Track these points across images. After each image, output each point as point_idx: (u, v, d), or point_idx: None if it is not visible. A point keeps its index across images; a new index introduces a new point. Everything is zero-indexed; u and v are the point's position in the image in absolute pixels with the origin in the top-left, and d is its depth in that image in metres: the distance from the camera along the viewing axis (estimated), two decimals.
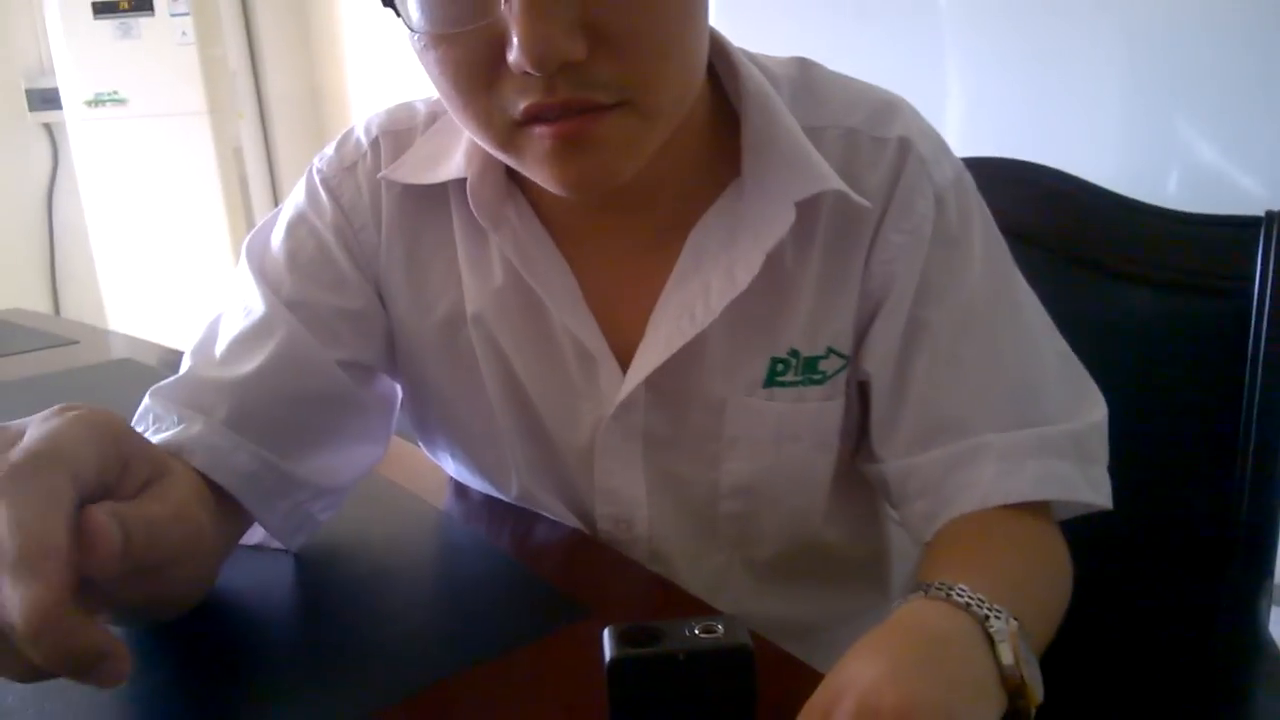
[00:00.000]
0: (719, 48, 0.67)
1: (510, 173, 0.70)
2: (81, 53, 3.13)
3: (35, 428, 0.43)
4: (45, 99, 3.34)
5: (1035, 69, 1.65)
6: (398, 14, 0.57)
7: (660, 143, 0.61)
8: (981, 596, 0.51)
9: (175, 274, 3.32)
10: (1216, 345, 0.86)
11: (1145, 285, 0.90)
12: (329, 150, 0.75)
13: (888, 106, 0.69)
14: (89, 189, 3.29)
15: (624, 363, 0.71)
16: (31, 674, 0.42)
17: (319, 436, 0.71)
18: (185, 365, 0.70)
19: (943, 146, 0.70)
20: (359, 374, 0.73)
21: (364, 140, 0.74)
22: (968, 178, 0.71)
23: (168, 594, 0.57)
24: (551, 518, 0.78)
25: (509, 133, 0.58)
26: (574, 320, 0.70)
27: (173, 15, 3.08)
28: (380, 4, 0.57)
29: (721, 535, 0.77)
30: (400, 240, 0.73)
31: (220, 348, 0.69)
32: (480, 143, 0.62)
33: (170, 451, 0.60)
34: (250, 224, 3.41)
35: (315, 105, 3.66)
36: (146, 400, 0.67)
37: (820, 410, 0.72)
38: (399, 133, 0.74)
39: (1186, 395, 0.88)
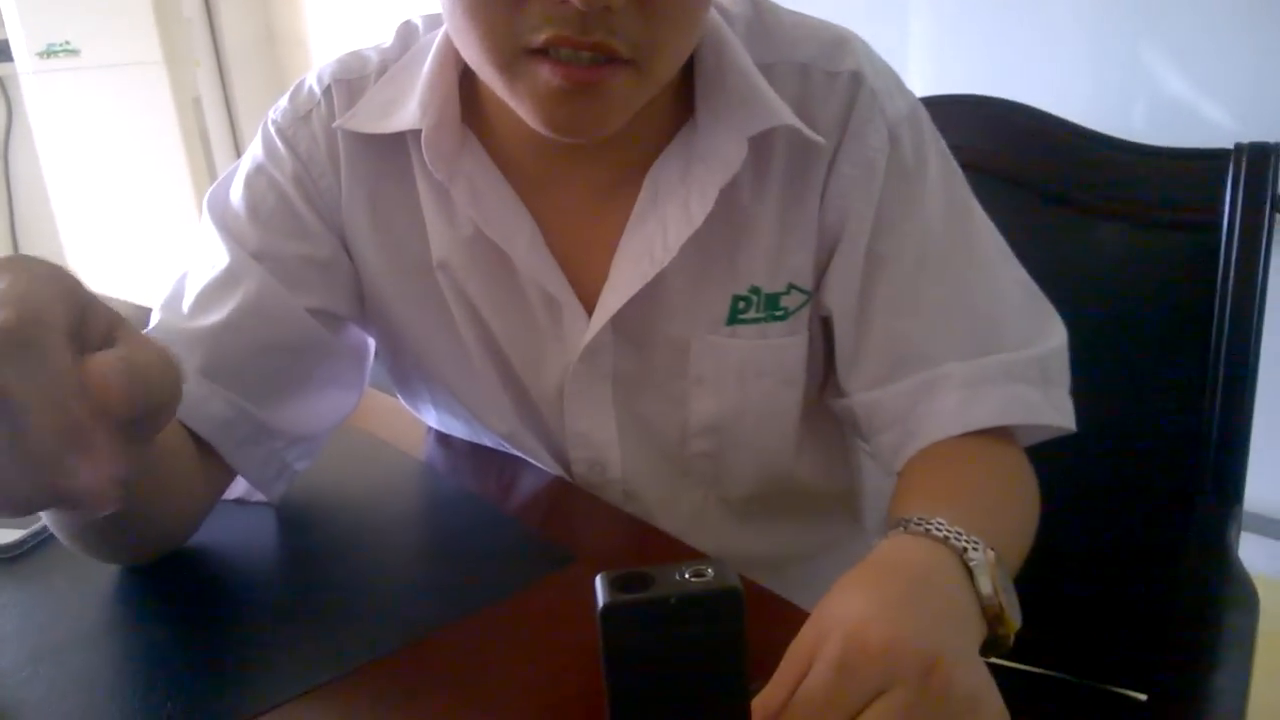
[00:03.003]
0: None
1: (466, 118, 0.70)
2: (31, 2, 3.03)
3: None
4: None
5: (999, 2, 1.64)
6: None
7: (644, 103, 0.61)
8: (959, 529, 0.52)
9: (137, 227, 3.26)
10: (1185, 277, 0.87)
11: (1114, 219, 0.91)
12: (283, 101, 0.74)
13: (839, 41, 0.70)
14: (45, 143, 3.21)
15: (589, 306, 0.71)
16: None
17: (292, 384, 0.71)
18: (154, 320, 0.70)
19: (895, 80, 0.71)
20: (329, 321, 0.73)
21: (316, 89, 0.73)
22: (921, 111, 0.71)
23: (162, 514, 0.60)
24: (532, 462, 0.78)
25: (515, 58, 0.58)
26: (537, 268, 0.70)
27: None
28: None
29: (694, 475, 0.78)
30: (361, 188, 0.73)
31: (188, 301, 0.69)
32: (473, 56, 0.61)
33: None
34: (212, 174, 3.35)
35: (273, 52, 3.58)
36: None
37: (784, 346, 0.73)
38: (351, 81, 0.73)
39: (1156, 327, 0.90)
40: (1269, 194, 0.83)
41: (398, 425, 0.88)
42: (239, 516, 0.72)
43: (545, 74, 0.56)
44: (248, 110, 3.54)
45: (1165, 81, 1.50)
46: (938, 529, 0.52)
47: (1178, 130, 1.50)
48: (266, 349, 0.69)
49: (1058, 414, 0.67)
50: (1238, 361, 0.84)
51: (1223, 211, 0.84)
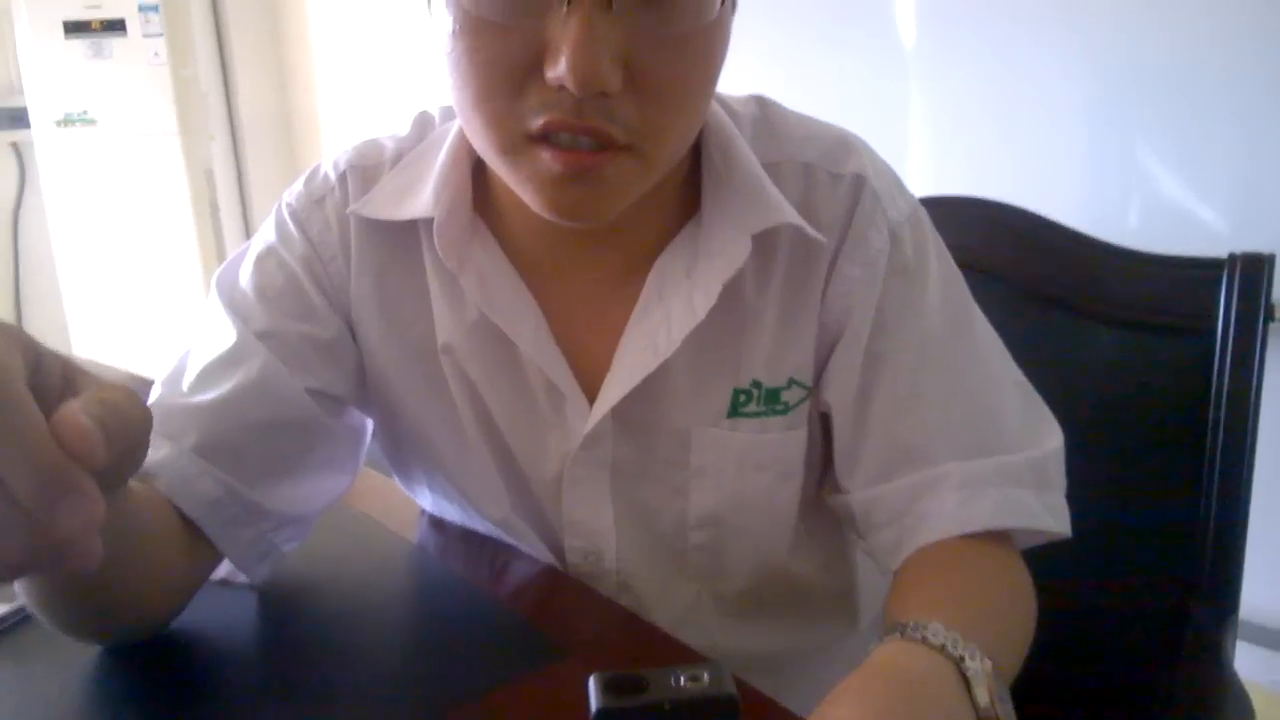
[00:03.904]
0: None
1: (478, 208, 0.71)
2: (52, 72, 3.10)
3: None
4: (14, 118, 3.30)
5: (999, 106, 1.67)
6: None
7: (648, 189, 0.62)
8: (955, 636, 0.51)
9: (142, 296, 3.28)
10: (1181, 384, 0.87)
11: (1109, 323, 0.91)
12: (298, 185, 0.76)
13: (843, 143, 0.71)
14: (56, 209, 3.25)
15: (591, 395, 0.71)
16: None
17: (287, 465, 0.71)
18: (154, 395, 0.70)
19: (897, 182, 0.72)
20: (328, 403, 0.73)
21: (332, 175, 0.75)
22: (922, 213, 0.73)
23: (141, 584, 0.60)
24: (525, 550, 0.78)
25: (516, 144, 0.58)
26: (541, 356, 0.71)
27: (146, 36, 3.06)
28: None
29: (690, 567, 0.77)
30: (370, 272, 0.74)
31: (190, 377, 0.69)
32: (479, 143, 0.62)
33: (136, 477, 0.60)
34: (220, 247, 3.38)
35: (287, 128, 3.65)
36: None
37: (783, 440, 0.73)
38: (366, 168, 0.75)
39: (1151, 432, 0.90)
40: (1263, 303, 0.84)
41: (391, 505, 0.88)
42: (222, 596, 0.71)
43: (546, 159, 0.57)
44: (259, 183, 3.59)
45: (1161, 186, 1.53)
46: (934, 636, 0.51)
47: (1173, 233, 1.53)
48: (264, 428, 0.69)
49: (1053, 519, 0.67)
50: (1233, 470, 0.84)
51: (1217, 318, 0.85)
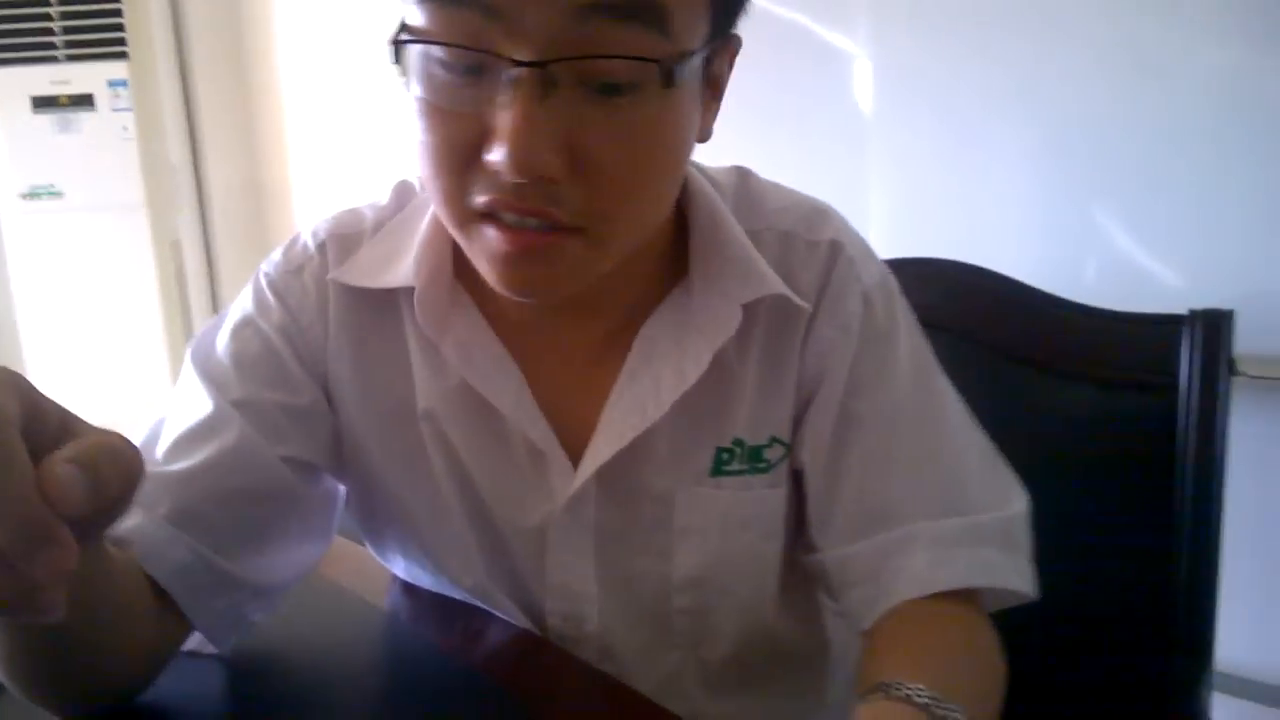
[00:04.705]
0: None
1: (458, 274, 0.72)
2: (18, 146, 3.09)
3: None
4: None
5: (956, 170, 1.71)
6: (402, 73, 0.57)
7: (608, 268, 0.62)
8: (937, 694, 0.51)
9: (107, 367, 3.25)
10: (1148, 438, 0.89)
11: (1072, 379, 0.93)
12: (276, 255, 0.76)
13: (819, 213, 0.74)
14: (20, 281, 3.23)
15: (574, 457, 0.72)
16: None
17: (260, 534, 0.71)
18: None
19: (869, 250, 0.75)
20: (303, 471, 0.73)
21: (311, 244, 0.75)
22: (892, 280, 0.75)
23: (110, 648, 0.59)
24: (501, 616, 0.77)
25: (467, 220, 0.59)
26: (524, 419, 0.71)
27: (115, 110, 3.07)
28: (390, 59, 0.57)
29: (675, 633, 0.77)
30: (348, 339, 0.74)
31: (164, 446, 0.69)
32: (440, 217, 0.63)
33: (108, 543, 0.59)
34: (187, 319, 3.36)
35: (257, 199, 3.65)
36: None
37: (765, 498, 0.74)
38: (346, 236, 0.75)
39: (1118, 486, 0.91)
40: (1222, 358, 0.86)
41: (362, 572, 0.86)
42: (189, 666, 0.70)
43: (492, 237, 0.58)
44: (228, 255, 3.58)
45: (1116, 243, 1.56)
46: (918, 695, 0.52)
47: (1130, 290, 1.55)
48: (238, 497, 0.68)
49: (1021, 580, 0.68)
50: (1201, 523, 0.85)
51: (1179, 373, 0.87)
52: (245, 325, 0.74)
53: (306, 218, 3.43)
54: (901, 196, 1.79)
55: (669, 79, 0.54)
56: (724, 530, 0.74)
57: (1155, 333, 0.89)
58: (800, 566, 0.78)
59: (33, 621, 0.41)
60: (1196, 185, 1.44)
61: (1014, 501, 0.71)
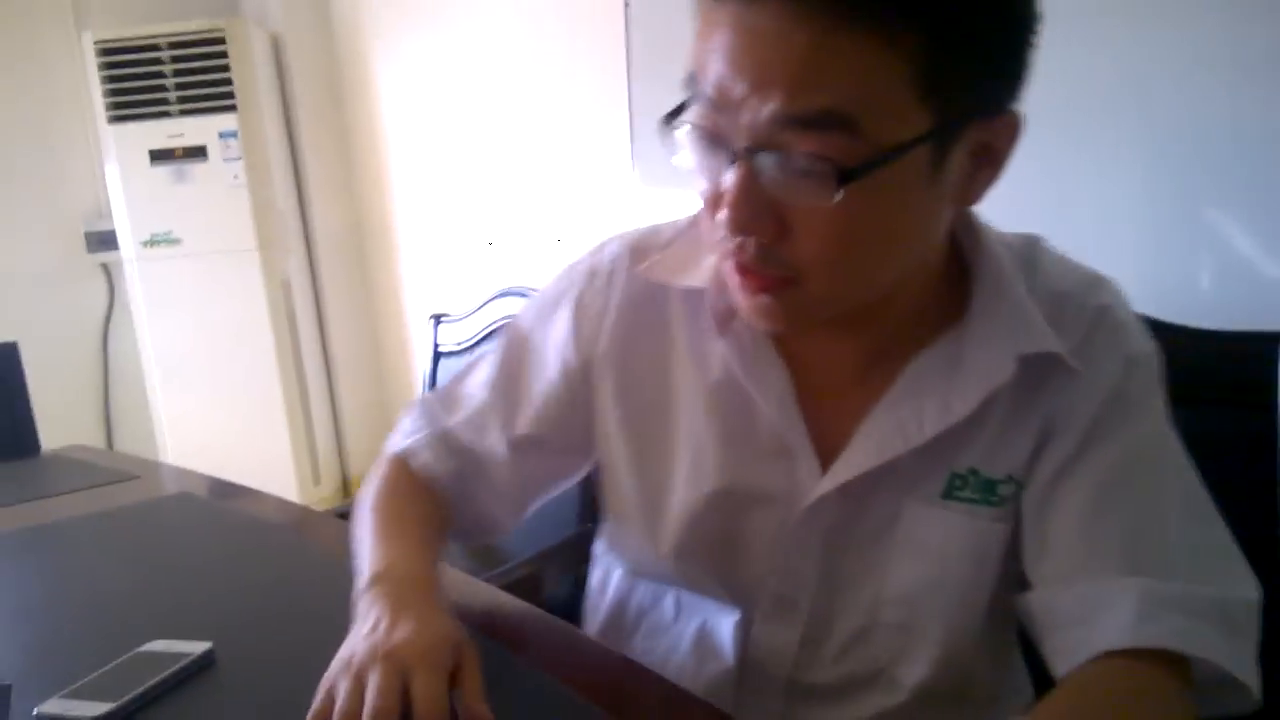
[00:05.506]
0: (963, 218, 0.77)
1: None
2: (138, 197, 3.28)
3: (422, 632, 0.68)
4: (103, 240, 3.48)
5: (1059, 182, 1.68)
6: (663, 142, 0.69)
7: (844, 309, 0.71)
8: None
9: (226, 403, 3.41)
10: (1246, 455, 0.87)
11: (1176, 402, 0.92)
12: (583, 257, 0.91)
13: (1098, 280, 0.77)
14: (143, 324, 3.41)
15: (822, 464, 0.77)
16: None
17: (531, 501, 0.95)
18: (440, 396, 0.97)
19: (1140, 324, 0.76)
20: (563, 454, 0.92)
21: (615, 248, 0.89)
22: (1158, 360, 0.76)
23: None
24: (692, 593, 0.86)
25: (722, 254, 0.70)
26: (782, 417, 0.78)
27: (225, 160, 3.24)
28: (659, 128, 0.69)
29: (876, 644, 0.80)
30: (621, 333, 0.86)
31: (458, 415, 0.94)
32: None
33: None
34: (297, 352, 3.51)
35: (359, 239, 3.79)
36: (418, 408, 0.98)
37: (988, 530, 0.76)
38: (644, 248, 0.87)
39: (1220, 508, 0.89)
40: None
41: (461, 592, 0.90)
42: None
43: (729, 271, 0.70)
44: (334, 292, 3.73)
45: (1229, 250, 1.51)
46: None
47: (1244, 299, 1.51)
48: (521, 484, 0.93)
49: (1237, 664, 0.65)
50: None
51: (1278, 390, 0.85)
52: (540, 314, 0.92)
53: (407, 256, 3.55)
54: (1002, 214, 1.77)
55: (845, 176, 0.60)
56: (943, 553, 0.76)
57: (1252, 350, 0.88)
58: (1006, 609, 0.78)
59: None
60: None
61: (1242, 587, 0.69)
